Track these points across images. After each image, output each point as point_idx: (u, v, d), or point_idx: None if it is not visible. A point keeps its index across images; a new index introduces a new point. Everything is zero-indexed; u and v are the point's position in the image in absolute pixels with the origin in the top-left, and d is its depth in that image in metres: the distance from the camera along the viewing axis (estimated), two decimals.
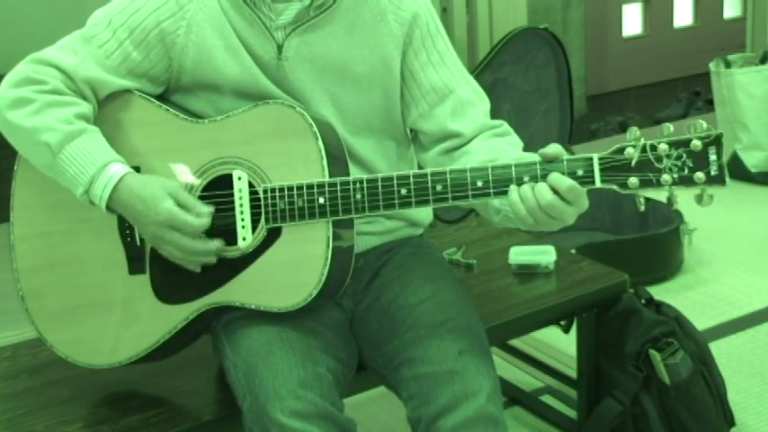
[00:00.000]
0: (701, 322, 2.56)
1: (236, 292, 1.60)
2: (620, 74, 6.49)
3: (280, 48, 1.64)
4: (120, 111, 1.66)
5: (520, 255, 2.24)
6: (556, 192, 1.45)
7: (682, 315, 2.19)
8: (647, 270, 3.16)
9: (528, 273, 2.22)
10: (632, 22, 6.66)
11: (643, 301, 2.19)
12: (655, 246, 3.20)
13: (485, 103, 1.74)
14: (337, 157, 1.59)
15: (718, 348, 2.60)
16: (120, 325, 1.66)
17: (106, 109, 1.65)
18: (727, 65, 4.17)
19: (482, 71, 3.44)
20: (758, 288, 3.16)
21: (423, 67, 1.70)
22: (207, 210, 1.57)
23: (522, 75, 3.55)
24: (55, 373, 1.83)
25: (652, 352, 2.07)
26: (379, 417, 2.46)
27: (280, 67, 1.65)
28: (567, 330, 2.23)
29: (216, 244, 1.58)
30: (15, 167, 1.69)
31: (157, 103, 1.66)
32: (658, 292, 2.75)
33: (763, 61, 4.21)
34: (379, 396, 2.11)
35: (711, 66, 4.21)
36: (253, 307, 1.59)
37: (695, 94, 5.75)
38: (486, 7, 3.79)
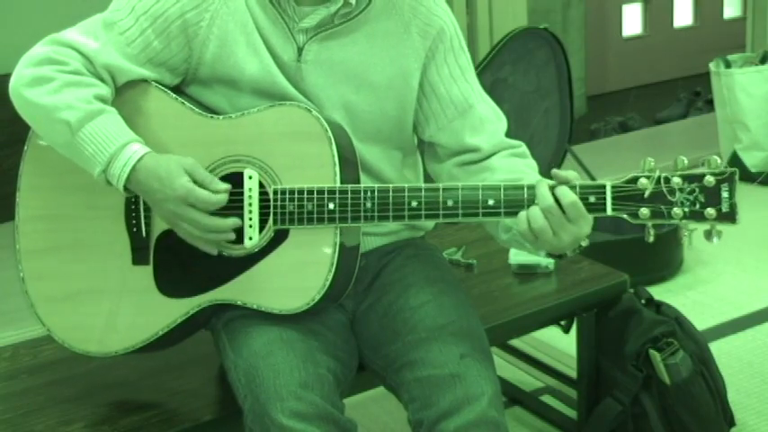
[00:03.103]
0: (700, 322, 2.56)
1: (239, 290, 1.60)
2: (620, 74, 6.49)
3: (300, 50, 1.64)
4: (135, 100, 1.64)
5: (520, 255, 2.24)
6: (558, 204, 1.45)
7: (682, 315, 2.19)
8: (647, 270, 3.16)
9: (528, 273, 2.22)
10: (632, 22, 6.66)
11: (643, 301, 2.19)
12: (655, 246, 3.18)
13: (502, 122, 1.74)
14: (349, 161, 1.59)
15: (718, 348, 2.60)
16: (120, 314, 1.65)
17: (122, 98, 1.64)
18: (727, 65, 4.17)
19: (482, 71, 3.43)
20: (758, 288, 3.16)
21: (444, 81, 1.69)
22: (224, 186, 1.56)
23: (522, 75, 3.54)
24: (55, 373, 1.83)
25: (652, 352, 2.07)
26: (379, 417, 2.46)
27: (298, 70, 1.65)
28: (567, 330, 2.23)
29: (233, 220, 1.56)
30: (25, 147, 1.67)
31: (173, 95, 1.64)
32: (658, 292, 2.75)
33: (763, 61, 4.21)
34: (379, 396, 2.11)
35: (711, 66, 4.21)
36: (254, 307, 1.59)
37: (695, 94, 5.75)
38: (486, 7, 3.79)
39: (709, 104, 5.00)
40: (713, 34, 6.70)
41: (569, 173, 1.48)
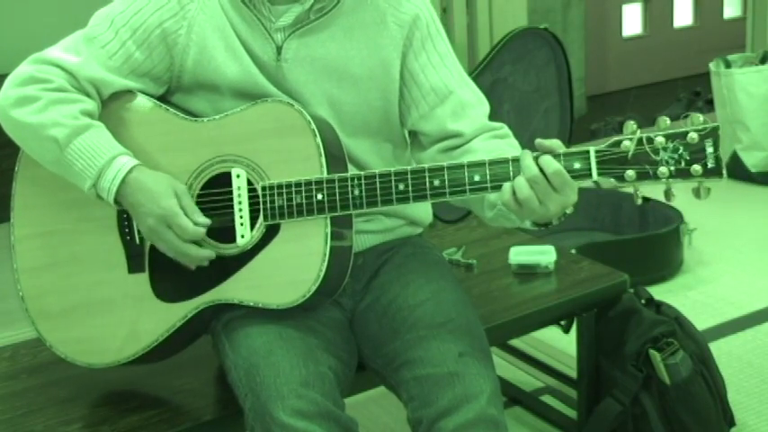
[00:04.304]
0: (700, 322, 2.56)
1: (235, 289, 1.60)
2: (620, 74, 6.49)
3: (279, 49, 1.65)
4: (121, 110, 1.66)
5: (520, 255, 2.24)
6: (543, 173, 1.46)
7: (682, 315, 2.19)
8: (647, 270, 3.16)
9: (528, 273, 2.22)
10: (632, 22, 6.66)
11: (643, 301, 2.19)
12: (655, 246, 3.20)
13: (484, 106, 1.75)
14: (336, 154, 1.60)
15: (718, 348, 2.60)
16: (120, 324, 1.66)
17: (108, 108, 1.66)
18: (727, 65, 4.17)
19: (482, 71, 3.43)
20: (758, 288, 3.16)
21: (423, 68, 1.70)
22: (204, 220, 1.58)
23: (522, 75, 3.55)
24: (55, 373, 1.83)
25: (652, 352, 2.07)
26: (379, 417, 2.46)
27: (278, 69, 1.65)
28: (567, 330, 2.23)
29: (208, 253, 1.59)
30: (16, 168, 1.70)
31: (157, 102, 1.66)
32: (658, 292, 2.74)
33: (763, 61, 4.21)
34: (379, 396, 2.11)
35: (711, 66, 4.21)
36: (251, 304, 1.59)
37: (695, 94, 5.75)
38: (486, 7, 3.79)
39: (709, 104, 5.00)
40: (713, 34, 6.70)
41: (553, 141, 1.49)
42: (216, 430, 1.69)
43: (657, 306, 2.19)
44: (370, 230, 1.76)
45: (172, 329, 1.64)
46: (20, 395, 1.77)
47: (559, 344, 2.60)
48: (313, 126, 1.56)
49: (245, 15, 1.64)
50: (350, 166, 1.65)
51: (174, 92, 1.70)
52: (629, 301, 2.16)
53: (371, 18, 1.67)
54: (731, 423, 2.21)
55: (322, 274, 1.55)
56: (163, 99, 1.70)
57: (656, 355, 2.06)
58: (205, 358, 1.82)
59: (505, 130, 1.73)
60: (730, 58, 4.20)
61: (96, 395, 1.76)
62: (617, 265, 2.27)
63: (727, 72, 4.13)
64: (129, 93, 1.67)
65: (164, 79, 1.68)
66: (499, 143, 1.69)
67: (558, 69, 3.60)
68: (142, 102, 1.66)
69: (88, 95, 1.63)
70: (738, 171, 4.11)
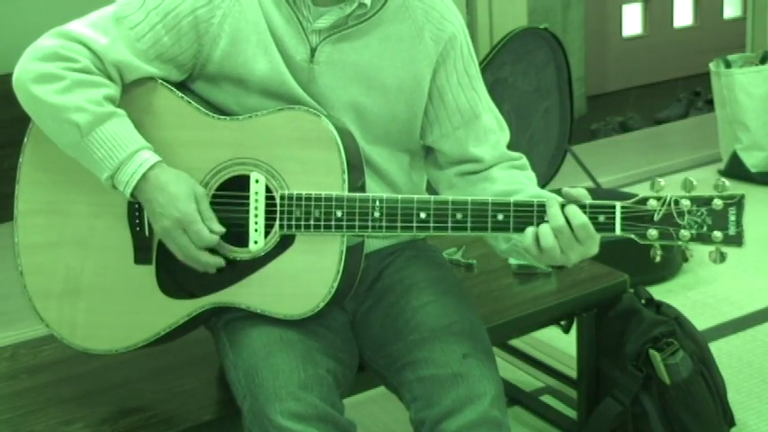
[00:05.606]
0: (700, 322, 2.56)
1: (243, 294, 1.59)
2: (620, 74, 6.49)
3: (313, 51, 1.63)
4: (141, 99, 1.63)
5: None
6: (569, 224, 1.46)
7: (682, 315, 2.19)
8: (647, 270, 3.15)
9: (528, 273, 2.22)
10: (632, 22, 6.67)
11: (643, 301, 2.19)
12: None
13: (505, 133, 1.74)
14: (356, 167, 1.59)
15: (718, 348, 2.60)
16: (121, 313, 1.64)
17: (129, 95, 1.62)
18: (727, 65, 4.17)
19: (482, 71, 3.43)
20: (758, 288, 3.16)
21: (452, 88, 1.69)
22: (219, 229, 1.56)
23: (522, 75, 3.55)
24: (55, 373, 1.83)
25: (652, 352, 2.07)
26: (379, 417, 2.45)
27: (310, 71, 1.64)
28: (567, 330, 2.23)
29: (217, 261, 1.58)
30: (25, 140, 1.65)
31: (180, 94, 1.62)
32: (658, 292, 2.75)
33: (763, 61, 4.21)
34: (379, 396, 2.11)
35: (711, 66, 4.21)
36: (258, 311, 1.58)
37: (695, 94, 5.76)
38: (486, 7, 3.79)
39: (710, 104, 5.00)
40: (713, 34, 6.71)
41: (580, 191, 1.49)
42: (215, 431, 1.69)
43: (657, 306, 2.19)
44: (374, 234, 1.75)
45: (174, 326, 1.63)
46: (20, 395, 1.77)
47: (559, 344, 2.60)
48: (339, 141, 1.54)
49: (283, 12, 1.62)
50: (368, 172, 1.64)
51: (196, 79, 1.67)
52: (629, 301, 2.16)
53: (408, 31, 1.66)
54: (731, 423, 2.21)
55: (333, 291, 1.55)
56: (184, 86, 1.66)
57: (656, 355, 2.06)
58: (205, 358, 1.82)
59: (524, 161, 1.73)
60: (730, 58, 4.20)
61: (97, 395, 1.75)
62: (617, 265, 2.27)
63: (727, 72, 4.13)
64: (151, 81, 1.63)
65: (187, 67, 1.65)
66: (518, 175, 1.69)
67: (558, 69, 3.61)
68: (164, 92, 1.63)
69: (111, 79, 1.59)
70: (738, 171, 4.11)
